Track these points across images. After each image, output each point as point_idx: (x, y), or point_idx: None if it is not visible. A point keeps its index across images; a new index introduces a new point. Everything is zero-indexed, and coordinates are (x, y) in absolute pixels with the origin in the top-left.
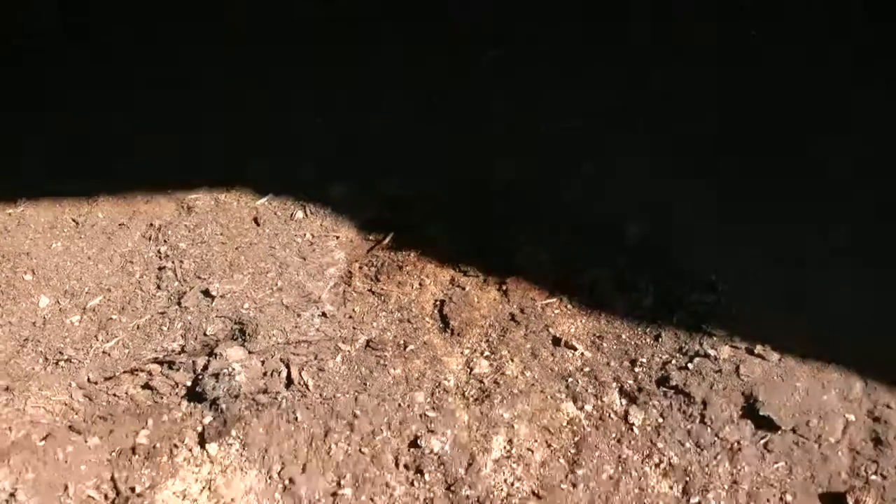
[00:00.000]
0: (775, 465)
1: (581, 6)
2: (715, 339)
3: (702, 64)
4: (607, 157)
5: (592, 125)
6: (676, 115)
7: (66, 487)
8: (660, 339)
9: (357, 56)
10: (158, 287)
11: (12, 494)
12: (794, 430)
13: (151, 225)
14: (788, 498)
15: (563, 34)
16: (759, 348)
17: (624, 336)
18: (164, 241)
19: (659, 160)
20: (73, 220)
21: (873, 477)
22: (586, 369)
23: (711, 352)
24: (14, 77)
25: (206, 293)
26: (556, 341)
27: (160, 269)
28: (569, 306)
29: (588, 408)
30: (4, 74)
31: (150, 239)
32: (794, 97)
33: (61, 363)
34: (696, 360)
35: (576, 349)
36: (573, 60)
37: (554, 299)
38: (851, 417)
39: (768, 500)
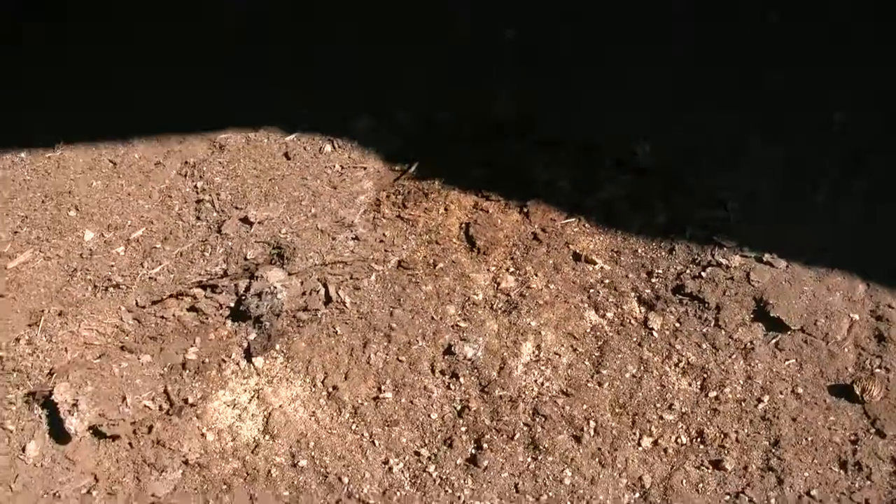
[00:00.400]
0: (787, 362)
1: None
2: (726, 249)
3: None
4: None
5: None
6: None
7: (123, 398)
8: (674, 252)
9: None
10: (198, 218)
11: (74, 404)
12: (802, 330)
13: (186, 163)
14: (800, 390)
15: None
16: (767, 256)
17: (640, 250)
18: (200, 176)
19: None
20: (111, 161)
21: (878, 370)
22: (606, 281)
23: (723, 261)
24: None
25: (245, 220)
26: (577, 257)
27: (198, 201)
28: (587, 225)
29: (609, 315)
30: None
31: (185, 175)
32: None
33: (110, 289)
34: (709, 269)
35: (595, 263)
36: None
37: (573, 219)
38: (856, 317)
39: (781, 393)
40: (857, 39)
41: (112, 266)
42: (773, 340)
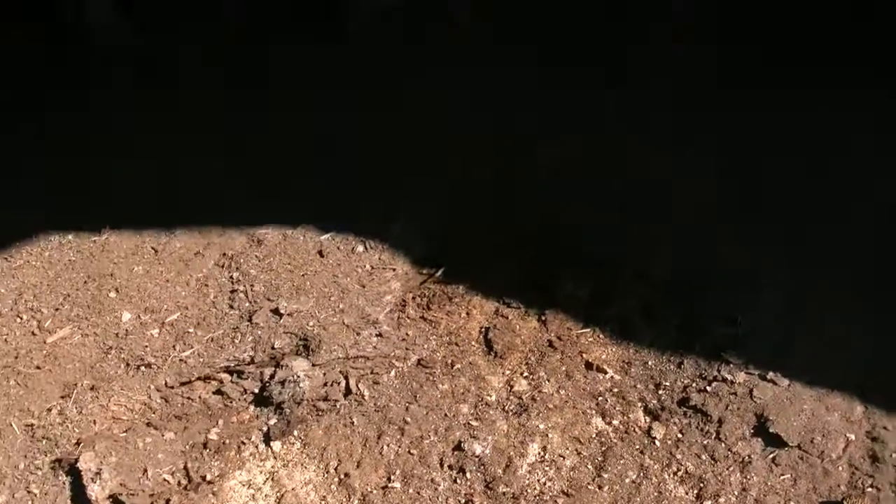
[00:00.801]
0: (782, 477)
1: None
2: (732, 366)
3: None
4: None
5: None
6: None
7: (145, 471)
8: (682, 366)
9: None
10: (231, 307)
11: (98, 473)
12: (799, 447)
13: (224, 254)
14: None
15: None
16: (770, 374)
17: (650, 362)
18: (237, 268)
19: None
20: (153, 248)
21: (869, 489)
22: (615, 390)
23: (728, 377)
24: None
25: (275, 311)
26: (589, 365)
27: (232, 291)
28: (601, 336)
29: (615, 422)
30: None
31: (223, 266)
32: None
33: (142, 368)
34: (715, 383)
35: (606, 372)
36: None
37: (588, 329)
38: (852, 437)
39: None
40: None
41: (146, 346)
42: (771, 455)
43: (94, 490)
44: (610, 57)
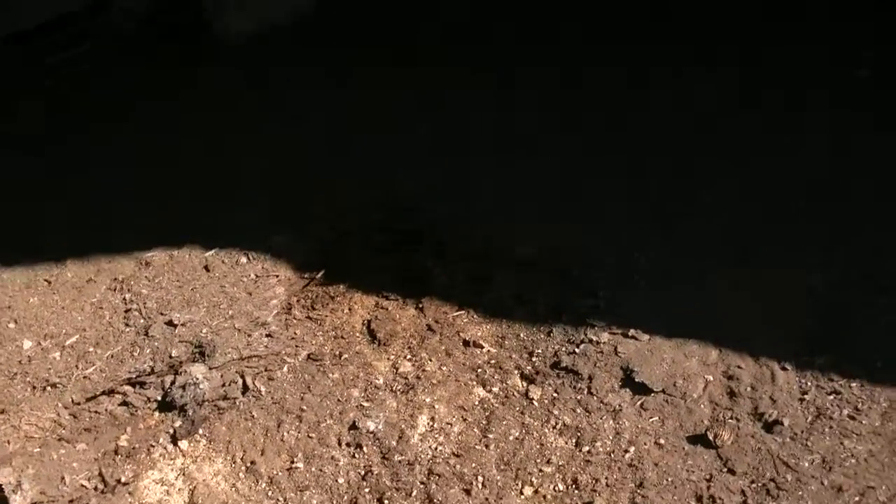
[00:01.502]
0: (651, 419)
1: None
2: (597, 328)
3: None
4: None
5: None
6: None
7: (62, 479)
8: (552, 335)
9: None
10: (126, 324)
11: (18, 485)
12: (664, 391)
13: (115, 279)
14: (662, 441)
15: None
16: (632, 332)
17: (522, 335)
18: (128, 289)
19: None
20: (46, 280)
21: (730, 420)
22: (492, 362)
23: (594, 338)
24: None
25: (169, 323)
26: (466, 343)
27: (126, 311)
28: (475, 316)
29: (495, 390)
30: None
31: (115, 290)
32: None
33: (47, 389)
34: (582, 345)
35: (482, 347)
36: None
37: (463, 311)
38: (710, 377)
39: (645, 444)
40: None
41: (49, 369)
42: (639, 402)
43: (16, 500)
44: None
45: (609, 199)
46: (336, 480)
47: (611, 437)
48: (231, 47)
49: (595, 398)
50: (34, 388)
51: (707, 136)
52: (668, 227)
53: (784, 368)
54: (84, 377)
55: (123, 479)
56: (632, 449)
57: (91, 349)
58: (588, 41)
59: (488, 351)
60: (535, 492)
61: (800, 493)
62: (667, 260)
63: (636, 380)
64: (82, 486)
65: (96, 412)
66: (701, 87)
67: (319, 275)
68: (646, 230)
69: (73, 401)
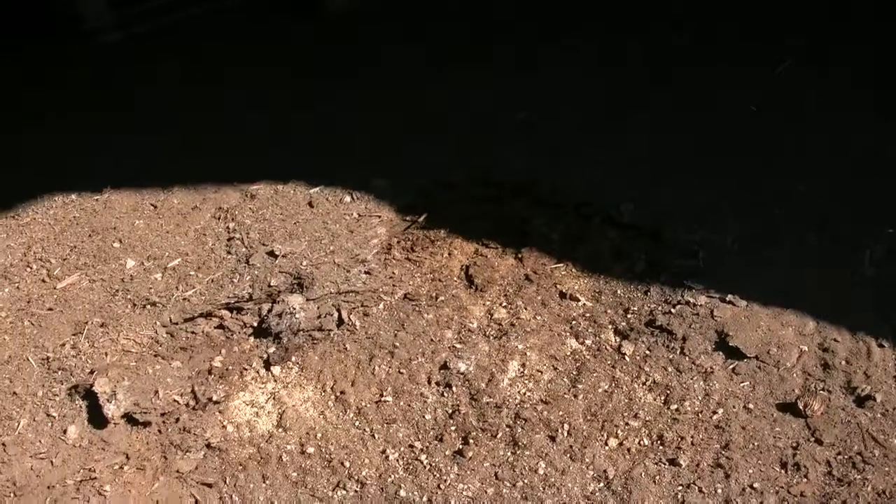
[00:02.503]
0: (741, 384)
1: None
2: (694, 291)
3: None
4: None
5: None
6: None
7: (156, 392)
8: (648, 293)
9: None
10: (228, 252)
11: (113, 394)
12: (757, 358)
13: (220, 208)
14: (751, 406)
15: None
16: (730, 297)
17: (619, 291)
18: (232, 219)
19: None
20: (152, 205)
21: (821, 392)
22: (587, 315)
23: (691, 300)
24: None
25: (271, 254)
26: (563, 295)
27: (229, 239)
28: (573, 270)
29: (588, 342)
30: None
31: (219, 219)
32: None
33: (147, 307)
34: (678, 306)
35: (578, 300)
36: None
37: (561, 264)
38: (805, 348)
39: (734, 407)
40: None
41: (150, 288)
42: (731, 366)
43: (109, 409)
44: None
45: (706, 177)
46: (423, 416)
47: (700, 398)
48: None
49: (687, 359)
50: (134, 305)
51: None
52: (765, 207)
53: (881, 345)
54: (183, 299)
55: (215, 398)
56: (720, 411)
57: (192, 273)
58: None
59: (584, 304)
60: (620, 444)
61: (886, 468)
62: (765, 235)
63: (730, 344)
64: (174, 400)
65: (193, 333)
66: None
67: (421, 218)
68: (747, 208)
69: (171, 320)
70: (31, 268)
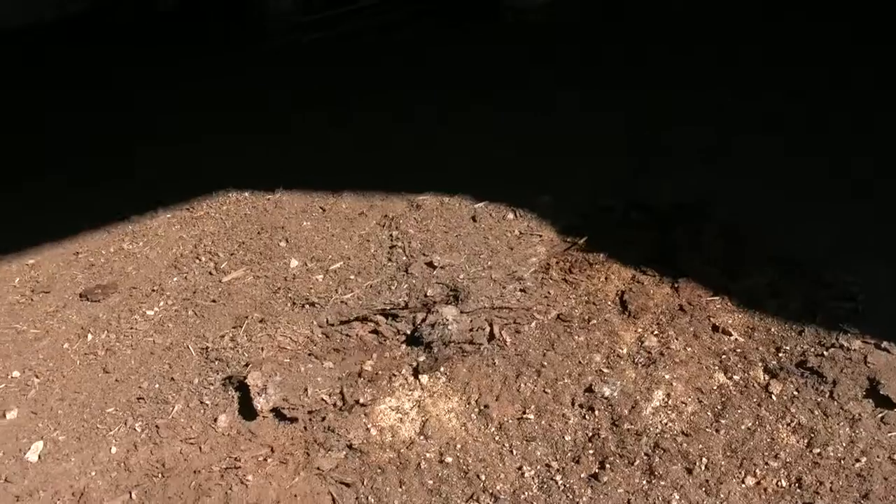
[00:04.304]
0: (889, 434)
1: None
2: (849, 335)
3: None
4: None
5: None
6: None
7: (305, 390)
8: (802, 334)
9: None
10: (389, 259)
11: (264, 388)
12: None
13: (385, 216)
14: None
15: None
16: (885, 344)
17: (773, 329)
18: (396, 227)
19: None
20: (321, 208)
21: None
22: (738, 351)
23: (845, 344)
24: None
25: (429, 264)
26: (715, 328)
27: (391, 247)
28: (729, 304)
29: (736, 378)
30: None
31: (383, 226)
32: None
33: (306, 307)
34: (832, 349)
35: (731, 335)
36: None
37: (717, 297)
38: None
39: (878, 457)
40: None
41: (311, 289)
42: (880, 415)
43: (259, 402)
44: None
45: (874, 220)
46: (563, 437)
47: (844, 444)
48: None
49: (835, 403)
50: (294, 303)
51: None
52: None
53: None
54: (342, 301)
55: (362, 401)
56: (863, 459)
57: (352, 276)
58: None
59: (736, 339)
60: (757, 483)
61: None
62: None
63: (881, 392)
64: (322, 399)
65: (347, 335)
66: None
67: (582, 240)
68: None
69: (327, 321)
70: (199, 260)
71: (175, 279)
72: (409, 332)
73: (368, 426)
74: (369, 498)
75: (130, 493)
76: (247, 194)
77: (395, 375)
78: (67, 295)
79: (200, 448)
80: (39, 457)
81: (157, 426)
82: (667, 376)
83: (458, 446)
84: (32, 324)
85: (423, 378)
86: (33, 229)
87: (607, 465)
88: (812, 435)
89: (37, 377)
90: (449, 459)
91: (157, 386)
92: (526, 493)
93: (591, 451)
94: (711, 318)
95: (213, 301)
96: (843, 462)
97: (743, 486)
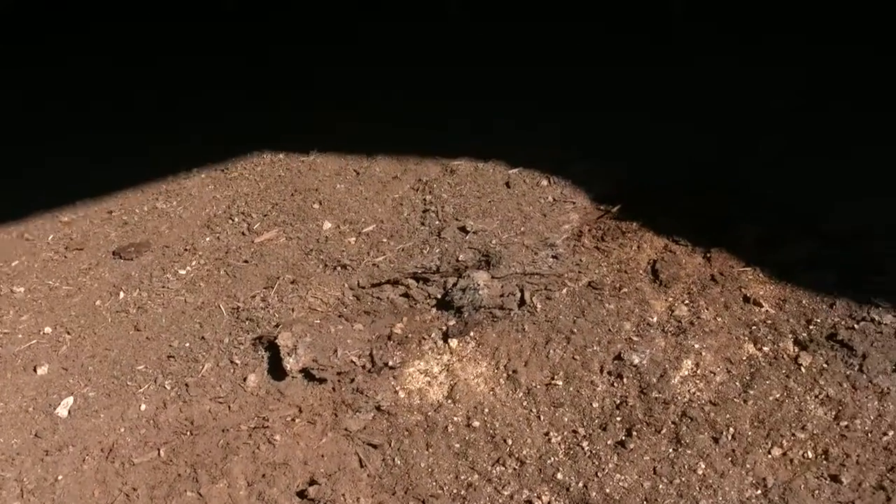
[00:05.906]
0: None
1: None
2: (881, 309)
3: None
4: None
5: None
6: None
7: (335, 351)
8: (834, 307)
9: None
10: (422, 223)
11: (294, 348)
12: None
13: (419, 180)
14: None
15: None
16: None
17: (804, 301)
18: (430, 191)
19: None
20: (355, 171)
21: None
22: (768, 322)
23: (877, 318)
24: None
25: (462, 229)
26: (746, 299)
27: (424, 211)
28: (761, 275)
29: (765, 349)
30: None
31: (417, 190)
32: None
33: (338, 269)
34: (862, 323)
35: (762, 306)
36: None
37: (749, 268)
38: None
39: None
40: None
41: (343, 251)
42: None
43: (289, 362)
44: None
45: None
46: (591, 404)
47: (872, 418)
48: None
49: (864, 377)
50: (326, 265)
51: None
52: None
53: None
54: (373, 264)
55: (391, 364)
56: (891, 433)
57: (385, 240)
58: None
59: (766, 311)
60: (784, 454)
61: None
62: None
63: None
64: (352, 361)
65: (378, 298)
66: None
67: (615, 209)
68: None
69: (359, 284)
70: (232, 220)
71: (208, 239)
72: (439, 296)
73: (397, 389)
74: (396, 459)
75: (159, 451)
76: (281, 156)
77: (424, 339)
78: (101, 253)
79: (229, 407)
80: (69, 412)
81: (186, 384)
82: (696, 346)
83: (486, 411)
84: (65, 280)
85: (453, 342)
86: (67, 186)
87: (634, 433)
88: (840, 407)
89: (68, 333)
90: (476, 423)
91: (187, 345)
92: (552, 459)
93: (618, 419)
94: (743, 289)
95: (245, 261)
96: (870, 435)
97: (769, 456)
